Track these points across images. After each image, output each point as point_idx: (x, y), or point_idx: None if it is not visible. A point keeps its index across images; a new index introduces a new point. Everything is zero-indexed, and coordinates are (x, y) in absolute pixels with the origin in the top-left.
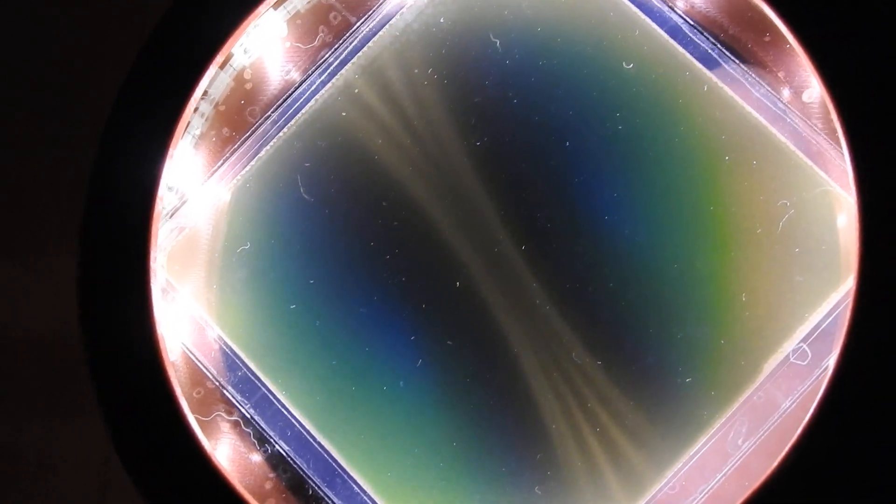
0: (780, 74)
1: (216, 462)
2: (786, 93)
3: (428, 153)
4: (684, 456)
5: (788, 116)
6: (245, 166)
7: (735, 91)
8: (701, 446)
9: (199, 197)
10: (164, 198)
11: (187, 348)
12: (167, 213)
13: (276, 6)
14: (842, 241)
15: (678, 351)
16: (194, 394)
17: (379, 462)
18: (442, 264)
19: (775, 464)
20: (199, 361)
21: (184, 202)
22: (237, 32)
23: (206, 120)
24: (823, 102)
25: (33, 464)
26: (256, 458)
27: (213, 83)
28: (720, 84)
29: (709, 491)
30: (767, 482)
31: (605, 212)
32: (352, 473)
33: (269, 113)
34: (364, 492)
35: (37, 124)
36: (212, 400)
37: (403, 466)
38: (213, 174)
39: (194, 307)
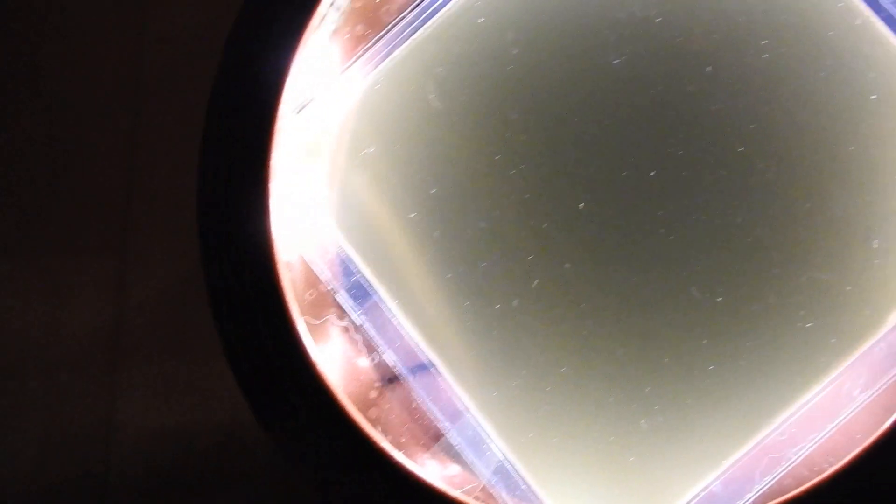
0: None
1: (319, 366)
2: None
3: (563, 67)
4: (797, 402)
5: None
6: (376, 66)
7: (889, 27)
8: (815, 394)
9: (327, 95)
10: (292, 93)
11: (302, 250)
12: (295, 109)
13: None
14: None
15: (801, 294)
16: (306, 295)
17: (485, 380)
18: (566, 184)
19: (891, 419)
20: (314, 264)
21: (311, 99)
22: None
23: (341, 14)
24: None
25: None
26: (364, 364)
27: None
28: (874, 18)
29: (819, 440)
30: (881, 437)
31: (740, 143)
32: (456, 389)
33: (405, 13)
34: (468, 409)
35: None
36: (324, 303)
37: (509, 387)
38: (343, 72)
39: (313, 207)
